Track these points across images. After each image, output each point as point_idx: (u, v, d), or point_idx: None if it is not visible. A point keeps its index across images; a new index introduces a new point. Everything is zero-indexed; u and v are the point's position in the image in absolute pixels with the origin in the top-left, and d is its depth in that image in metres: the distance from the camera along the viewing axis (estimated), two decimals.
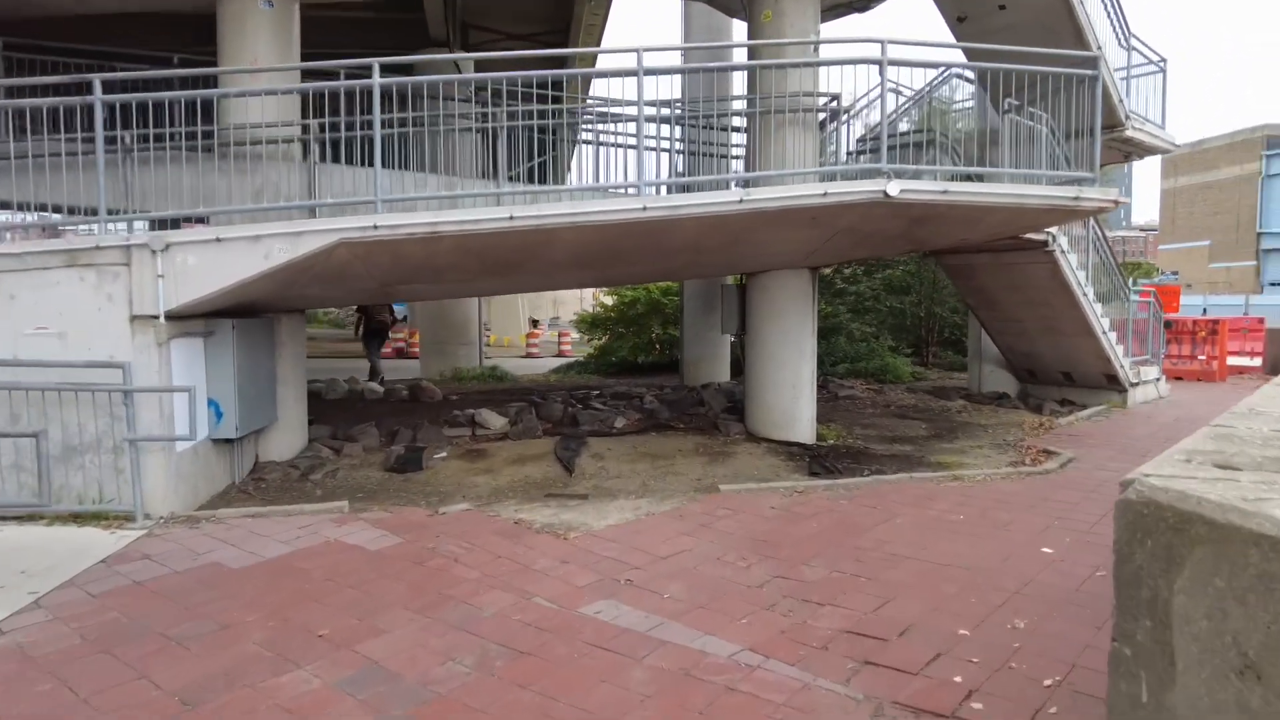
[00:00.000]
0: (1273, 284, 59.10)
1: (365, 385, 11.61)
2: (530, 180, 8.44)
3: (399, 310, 17.92)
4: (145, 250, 6.04)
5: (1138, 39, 11.18)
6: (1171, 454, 2.41)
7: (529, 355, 23.63)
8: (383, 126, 7.75)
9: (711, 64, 9.92)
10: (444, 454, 8.14)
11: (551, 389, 12.77)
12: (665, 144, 9.10)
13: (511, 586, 4.52)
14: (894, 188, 6.68)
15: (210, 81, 7.60)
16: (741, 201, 6.64)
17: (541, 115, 8.12)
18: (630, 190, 7.02)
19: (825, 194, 6.70)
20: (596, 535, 5.49)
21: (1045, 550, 5.03)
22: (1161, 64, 11.75)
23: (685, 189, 8.05)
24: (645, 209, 6.49)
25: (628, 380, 14.66)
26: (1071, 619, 3.97)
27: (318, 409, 10.48)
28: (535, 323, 34.29)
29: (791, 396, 8.73)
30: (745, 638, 3.79)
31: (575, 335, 23.35)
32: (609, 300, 17.97)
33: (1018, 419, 10.25)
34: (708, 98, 9.77)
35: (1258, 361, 17.38)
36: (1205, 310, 36.66)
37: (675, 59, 15.17)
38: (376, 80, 6.48)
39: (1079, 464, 7.68)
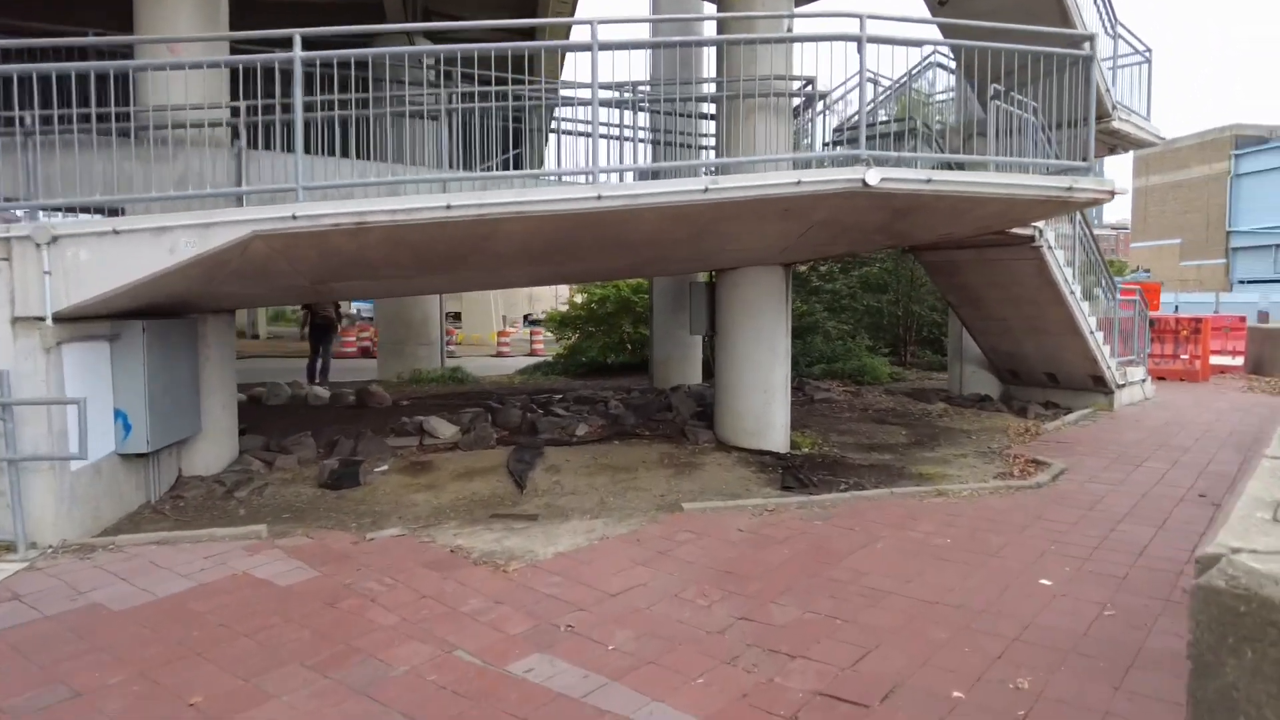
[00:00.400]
0: (1242, 282, 59.66)
1: (309, 390, 10.86)
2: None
3: (358, 307, 17.18)
4: (28, 244, 5.30)
5: (1124, 27, 10.72)
6: (1250, 508, 1.82)
7: (499, 355, 22.92)
8: (323, 109, 7.14)
9: (674, 38, 9.26)
10: (385, 467, 7.46)
11: (514, 392, 12.10)
12: (630, 131, 8.48)
13: (432, 635, 3.87)
14: (874, 176, 6.10)
15: (125, 58, 6.88)
16: (707, 190, 6.02)
17: (500, 98, 7.49)
18: (585, 178, 6.37)
19: (799, 183, 6.10)
20: (540, 566, 4.84)
21: (1043, 582, 4.47)
22: (1147, 54, 11.31)
23: (646, 177, 7.43)
24: (600, 198, 5.85)
25: (596, 382, 14.02)
26: (1082, 675, 3.39)
27: (256, 416, 9.74)
28: (525, 319, 33.57)
29: (764, 401, 8.14)
30: (700, 705, 3.18)
31: (548, 334, 22.72)
32: (580, 298, 17.32)
33: (1002, 423, 9.74)
34: (675, 80, 9.14)
35: (1239, 360, 17.08)
36: (1177, 308, 36.70)
37: (642, 36, 14.52)
38: (298, 54, 5.79)
39: (1071, 475, 7.15)
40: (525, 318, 32.62)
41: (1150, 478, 7.14)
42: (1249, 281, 60.43)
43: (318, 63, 6.11)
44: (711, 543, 5.27)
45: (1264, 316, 34.50)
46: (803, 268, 16.97)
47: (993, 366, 11.78)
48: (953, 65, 10.81)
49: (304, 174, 5.98)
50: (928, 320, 16.75)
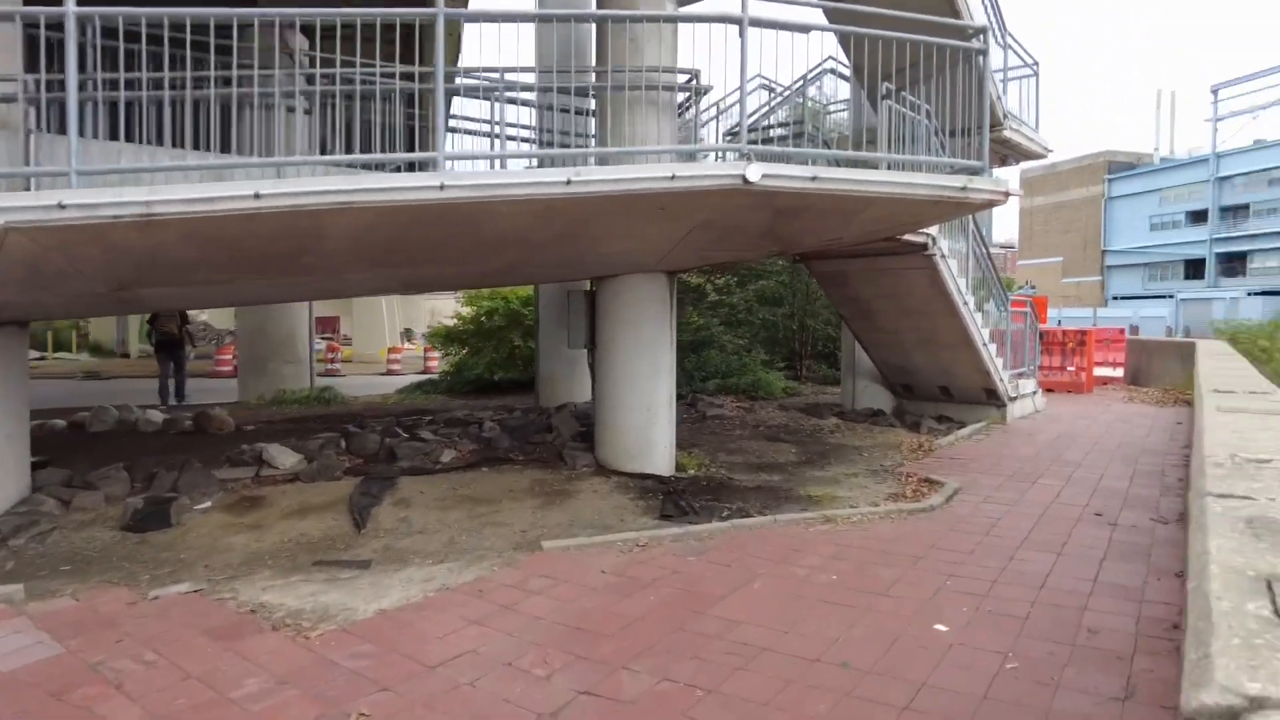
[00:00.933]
0: (1115, 298, 63.53)
1: (140, 414, 9.56)
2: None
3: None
4: None
5: (1013, 38, 10.67)
6: (1236, 597, 1.20)
7: (390, 373, 21.63)
8: (149, 88, 6.07)
9: (541, 10, 8.53)
10: (207, 504, 6.40)
11: (382, 414, 11.07)
12: (505, 124, 7.72)
13: None
14: (754, 172, 5.52)
15: None
16: (570, 183, 5.30)
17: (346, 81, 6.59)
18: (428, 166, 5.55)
19: (673, 177, 5.46)
20: (354, 630, 3.98)
21: (939, 628, 3.90)
22: (1035, 67, 11.32)
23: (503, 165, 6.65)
24: (443, 188, 5.05)
25: (480, 401, 13.11)
26: None
27: (71, 445, 8.46)
28: (408, 335, 31.88)
29: (646, 421, 7.47)
30: None
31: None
32: (469, 310, 16.31)
33: (895, 439, 9.37)
34: (553, 69, 8.42)
35: (1119, 372, 17.58)
36: (1060, 322, 38.41)
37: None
38: (71, 8, 4.79)
39: (966, 495, 6.75)
40: (405, 332, 31.00)
41: (1046, 496, 6.80)
42: (1121, 297, 64.37)
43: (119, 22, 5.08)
44: (568, 590, 4.51)
45: (1135, 330, 36.40)
46: (698, 279, 16.54)
47: (886, 380, 11.50)
48: (848, 72, 10.54)
49: (98, 158, 4.97)
50: (823, 334, 16.58)
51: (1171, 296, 56.06)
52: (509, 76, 7.71)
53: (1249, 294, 51.07)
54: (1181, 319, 51.10)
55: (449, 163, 5.65)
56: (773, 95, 11.23)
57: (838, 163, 7.15)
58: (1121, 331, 18.43)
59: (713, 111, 10.83)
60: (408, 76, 7.23)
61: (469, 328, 15.68)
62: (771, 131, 11.05)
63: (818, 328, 16.71)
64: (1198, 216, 59.66)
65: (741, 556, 5.01)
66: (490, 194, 5.24)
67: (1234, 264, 57.24)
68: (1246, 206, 56.82)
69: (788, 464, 8.20)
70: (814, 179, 5.82)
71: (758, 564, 4.86)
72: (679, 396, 12.27)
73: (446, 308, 36.00)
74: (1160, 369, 17.06)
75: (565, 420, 9.07)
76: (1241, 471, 2.25)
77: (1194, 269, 60.00)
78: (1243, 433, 3.09)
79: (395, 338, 29.90)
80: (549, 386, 11.57)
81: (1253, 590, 1.20)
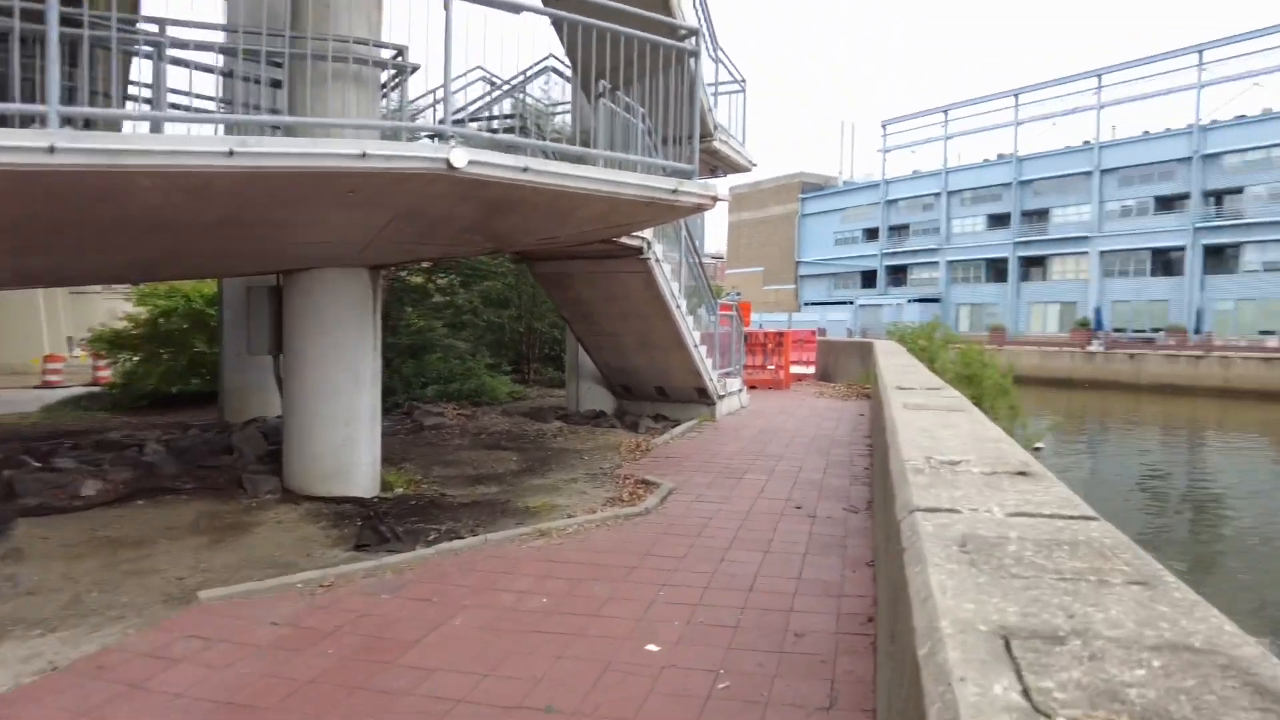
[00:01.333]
0: (808, 304, 71.64)
1: None
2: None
3: None
4: None
5: (724, 53, 11.15)
6: (991, 704, 0.92)
7: (47, 385, 17.89)
8: None
9: None
10: None
11: (12, 438, 8.93)
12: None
13: None
14: (460, 156, 5.00)
15: None
16: (233, 154, 4.39)
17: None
18: (36, 121, 4.34)
19: (364, 154, 4.75)
20: None
21: (651, 649, 3.67)
22: (742, 83, 11.96)
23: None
24: (54, 150, 3.94)
25: (153, 418, 11.15)
26: None
27: None
28: (72, 341, 26.82)
29: (345, 436, 6.62)
30: None
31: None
32: (143, 310, 13.84)
33: (615, 440, 9.34)
34: (245, 29, 7.21)
35: (811, 370, 19.47)
36: (761, 325, 42.22)
37: None
38: None
39: (679, 495, 6.77)
40: (69, 340, 26.31)
41: (752, 491, 7.04)
42: (812, 303, 72.62)
43: None
44: (223, 653, 3.66)
45: (823, 332, 41.01)
46: (419, 278, 15.61)
47: (607, 382, 11.54)
48: (569, 72, 10.38)
49: None
50: (550, 337, 16.46)
51: (852, 303, 64.50)
52: (180, 32, 6.47)
53: (909, 301, 60.23)
54: (860, 322, 58.93)
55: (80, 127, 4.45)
56: (493, 88, 10.80)
57: (552, 156, 6.85)
58: (813, 333, 20.41)
59: (430, 99, 10.15)
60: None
61: (141, 331, 13.36)
62: (494, 123, 10.63)
63: (545, 330, 16.55)
64: (872, 234, 69.15)
65: (444, 588, 4.46)
66: (122, 162, 4.19)
67: (899, 275, 67.18)
68: (907, 226, 66.91)
69: (508, 474, 7.76)
70: (526, 170, 5.43)
71: (462, 595, 4.34)
72: (395, 405, 11.35)
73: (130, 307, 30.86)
74: (845, 366, 19.15)
75: (249, 439, 7.86)
76: (940, 478, 2.19)
77: (868, 279, 69.45)
78: (930, 431, 3.18)
79: (60, 344, 25.06)
80: (237, 400, 10.06)
81: (993, 656, 0.97)
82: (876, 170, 71.11)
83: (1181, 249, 49.05)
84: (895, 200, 67.53)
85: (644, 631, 3.89)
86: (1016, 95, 58.63)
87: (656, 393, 11.31)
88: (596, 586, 4.50)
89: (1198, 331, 45.87)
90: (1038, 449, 16.84)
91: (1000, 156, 60.66)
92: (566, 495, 6.81)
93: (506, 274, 16.10)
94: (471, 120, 10.50)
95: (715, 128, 10.43)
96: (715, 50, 10.63)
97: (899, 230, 67.52)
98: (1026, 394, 23.83)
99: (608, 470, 7.76)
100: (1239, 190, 47.33)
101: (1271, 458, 24.03)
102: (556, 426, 10.24)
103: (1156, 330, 47.06)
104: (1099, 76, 53.78)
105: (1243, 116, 47.64)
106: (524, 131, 9.54)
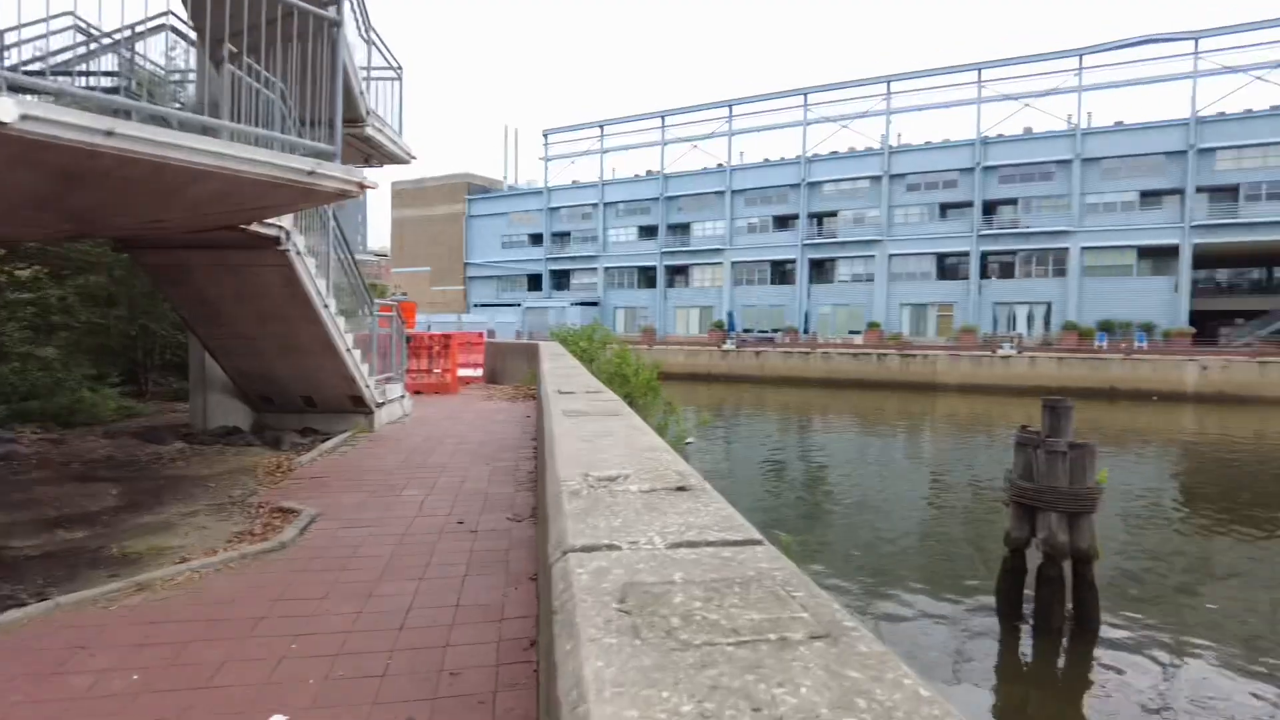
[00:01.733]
0: (477, 305, 71.36)
1: None
2: None
3: None
4: None
5: (378, 35, 10.31)
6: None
7: None
8: None
9: None
10: None
11: None
12: None
13: None
14: (9, 109, 3.84)
15: None
16: None
17: None
18: None
19: None
20: None
21: None
22: (399, 71, 11.21)
23: None
24: None
25: None
26: None
27: None
28: None
29: None
30: None
31: None
32: None
33: (251, 461, 8.13)
34: None
35: (480, 372, 19.16)
36: (430, 326, 41.02)
37: None
38: None
39: (324, 523, 5.99)
40: None
41: (410, 509, 6.49)
42: (481, 305, 72.50)
43: None
44: None
45: (492, 334, 40.98)
46: None
47: (243, 393, 10.09)
48: (194, 36, 8.82)
49: None
50: (173, 341, 14.06)
51: (519, 305, 65.58)
52: None
53: (572, 304, 62.88)
54: (527, 324, 60.12)
55: None
56: (89, 40, 8.85)
57: (154, 120, 5.67)
58: (481, 335, 20.12)
59: None
60: None
61: None
62: (93, 81, 8.71)
63: (165, 333, 14.07)
64: (536, 239, 70.99)
65: None
66: None
67: (563, 279, 69.83)
68: (569, 233, 69.79)
69: (103, 512, 6.30)
70: (110, 134, 4.36)
71: (7, 690, 3.27)
72: None
73: None
74: (513, 368, 19.14)
75: None
76: (598, 501, 1.96)
77: (534, 282, 71.19)
78: (591, 439, 2.99)
79: None
80: None
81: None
82: (539, 177, 73.24)
83: (793, 262, 57.82)
84: (557, 208, 70.16)
85: (269, 699, 3.22)
86: (663, 117, 64.20)
87: (304, 403, 10.14)
88: (210, 649, 3.68)
89: (806, 331, 54.70)
90: (689, 444, 18.36)
91: (649, 173, 66.08)
92: (182, 534, 5.67)
93: (113, 265, 13.43)
94: (56, 74, 8.51)
95: (368, 113, 9.61)
96: (368, 31, 9.80)
97: (561, 237, 70.33)
98: (674, 389, 26.30)
99: (238, 499, 6.66)
100: (834, 214, 56.93)
101: (857, 434, 29.16)
102: (177, 448, 8.66)
103: (776, 330, 55.05)
104: (730, 107, 60.95)
105: (836, 152, 57.40)
106: (133, 95, 7.92)
